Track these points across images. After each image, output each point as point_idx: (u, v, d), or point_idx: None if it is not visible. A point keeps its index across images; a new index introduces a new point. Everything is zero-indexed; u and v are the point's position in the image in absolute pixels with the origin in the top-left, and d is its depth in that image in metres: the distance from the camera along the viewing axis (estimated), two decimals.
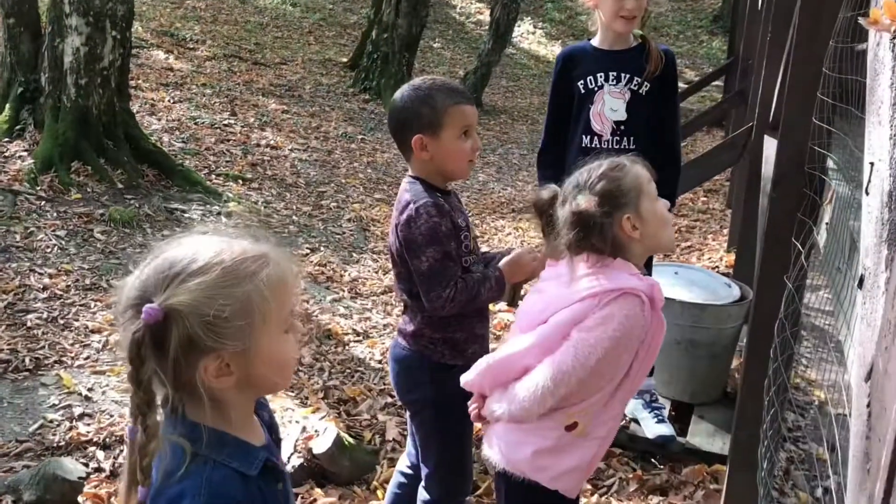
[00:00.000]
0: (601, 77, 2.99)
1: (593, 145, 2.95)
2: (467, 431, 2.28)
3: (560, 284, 1.89)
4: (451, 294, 2.06)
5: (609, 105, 2.98)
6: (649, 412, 3.25)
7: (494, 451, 1.93)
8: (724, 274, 4.61)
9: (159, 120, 7.57)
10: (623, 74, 2.97)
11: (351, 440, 3.06)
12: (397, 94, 2.17)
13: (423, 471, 2.29)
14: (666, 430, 3.20)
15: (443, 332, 2.18)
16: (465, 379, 2.00)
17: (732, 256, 5.69)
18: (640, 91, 2.96)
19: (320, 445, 2.92)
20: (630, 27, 2.94)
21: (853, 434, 0.83)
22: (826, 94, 2.14)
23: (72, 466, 2.63)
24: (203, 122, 7.84)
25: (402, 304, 2.32)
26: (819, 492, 3.17)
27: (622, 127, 2.97)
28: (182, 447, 1.16)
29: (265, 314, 1.15)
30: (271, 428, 1.39)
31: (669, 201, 3.08)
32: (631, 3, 2.87)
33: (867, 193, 1.00)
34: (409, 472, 2.44)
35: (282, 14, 14.42)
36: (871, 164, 1.00)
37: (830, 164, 2.35)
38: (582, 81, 3.01)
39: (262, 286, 1.15)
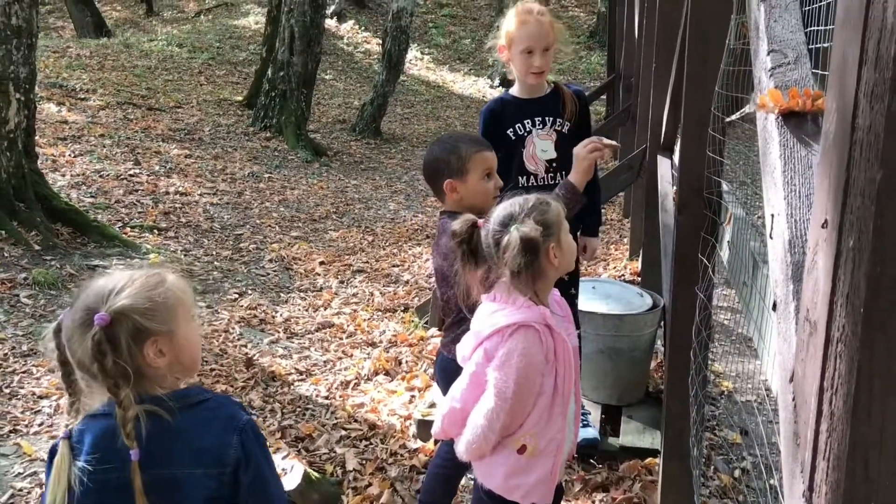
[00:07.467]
0: (528, 123, 3.25)
1: (531, 184, 3.21)
2: None
3: (479, 323, 2.13)
4: None
5: (540, 147, 3.25)
6: None
7: (477, 473, 2.22)
8: (630, 282, 5.03)
9: (63, 176, 7.50)
10: (547, 118, 3.24)
11: (316, 474, 3.26)
12: (429, 149, 2.63)
13: None
14: (589, 433, 3.51)
15: None
16: (433, 430, 2.27)
17: (636, 264, 6.14)
18: (564, 130, 3.26)
19: (290, 482, 3.09)
20: (541, 80, 3.22)
21: (783, 420, 1.13)
22: (717, 109, 2.45)
23: None
24: (108, 175, 7.80)
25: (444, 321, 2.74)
26: (738, 472, 3.57)
27: (554, 164, 3.25)
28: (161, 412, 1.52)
29: (177, 307, 1.56)
30: None
31: (598, 220, 3.45)
32: (538, 61, 3.14)
33: (771, 238, 1.32)
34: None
35: (169, 56, 14.31)
36: (772, 215, 1.32)
37: (724, 187, 2.74)
38: (511, 129, 3.25)
39: (170, 287, 1.57)
